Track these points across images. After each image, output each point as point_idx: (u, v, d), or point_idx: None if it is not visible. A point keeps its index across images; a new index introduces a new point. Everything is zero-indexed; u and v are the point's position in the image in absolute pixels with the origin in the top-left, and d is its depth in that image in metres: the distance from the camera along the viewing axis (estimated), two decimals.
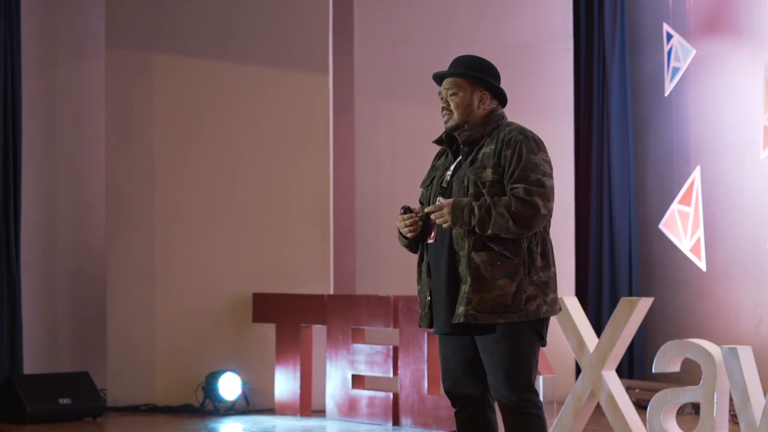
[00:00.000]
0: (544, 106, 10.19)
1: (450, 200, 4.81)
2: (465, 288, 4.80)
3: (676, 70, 9.89)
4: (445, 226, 4.84)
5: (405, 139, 9.87)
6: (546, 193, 4.84)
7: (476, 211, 4.76)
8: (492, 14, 10.23)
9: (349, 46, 10.01)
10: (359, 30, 9.99)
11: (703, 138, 10.00)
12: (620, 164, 10.57)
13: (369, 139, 10.00)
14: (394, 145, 9.94)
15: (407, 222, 4.94)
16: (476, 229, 4.77)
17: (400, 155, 9.84)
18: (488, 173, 4.85)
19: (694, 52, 9.75)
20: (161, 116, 9.52)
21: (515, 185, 4.81)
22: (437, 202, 4.87)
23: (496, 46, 9.99)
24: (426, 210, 4.89)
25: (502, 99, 5.07)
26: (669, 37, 9.89)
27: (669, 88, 10.01)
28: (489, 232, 4.76)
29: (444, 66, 5.19)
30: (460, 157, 4.99)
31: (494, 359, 4.84)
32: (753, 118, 9.47)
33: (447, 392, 5.04)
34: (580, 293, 10.37)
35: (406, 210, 5.00)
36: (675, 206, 9.67)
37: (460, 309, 4.80)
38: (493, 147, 4.89)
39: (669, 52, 9.90)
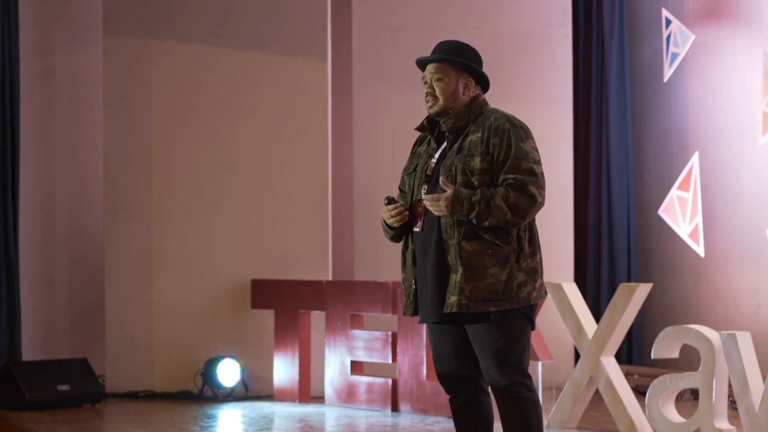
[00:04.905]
0: (543, 92, 10.18)
1: (449, 193, 4.77)
2: (456, 277, 4.79)
3: (675, 55, 9.87)
4: (436, 213, 4.82)
5: (403, 125, 9.84)
6: (539, 181, 4.82)
7: (476, 205, 4.74)
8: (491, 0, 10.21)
9: (348, 31, 9.99)
10: (357, 15, 9.97)
11: (701, 124, 10.00)
12: (619, 150, 10.57)
13: (367, 124, 10.00)
14: (392, 130, 9.93)
15: (393, 213, 4.92)
16: (473, 221, 4.77)
17: (399, 141, 9.82)
18: (476, 161, 4.83)
19: (693, 37, 9.73)
20: (159, 102, 9.50)
21: (508, 176, 4.79)
22: (439, 193, 4.82)
23: (495, 31, 9.98)
24: (424, 198, 4.84)
25: (484, 85, 5.06)
26: (668, 22, 9.87)
27: (668, 73, 9.99)
28: (486, 224, 4.76)
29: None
30: (444, 145, 4.97)
31: (486, 346, 4.84)
32: (752, 104, 9.46)
33: (440, 377, 5.05)
34: (579, 279, 10.38)
35: (390, 200, 4.97)
36: (674, 192, 9.66)
37: (452, 298, 4.80)
38: (480, 135, 4.87)
39: (668, 38, 9.88)
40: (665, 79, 10.09)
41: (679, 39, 9.81)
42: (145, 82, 9.49)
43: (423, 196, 4.90)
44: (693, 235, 9.54)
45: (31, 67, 9.65)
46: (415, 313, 5.00)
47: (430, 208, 4.82)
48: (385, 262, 9.75)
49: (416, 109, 9.81)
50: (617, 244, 10.54)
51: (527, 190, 4.77)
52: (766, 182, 9.41)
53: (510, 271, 4.80)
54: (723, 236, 9.78)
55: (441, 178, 4.83)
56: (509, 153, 4.81)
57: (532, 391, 4.90)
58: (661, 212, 9.82)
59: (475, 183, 4.81)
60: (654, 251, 10.54)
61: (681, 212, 9.61)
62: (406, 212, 4.93)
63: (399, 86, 9.91)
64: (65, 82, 9.93)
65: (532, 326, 4.94)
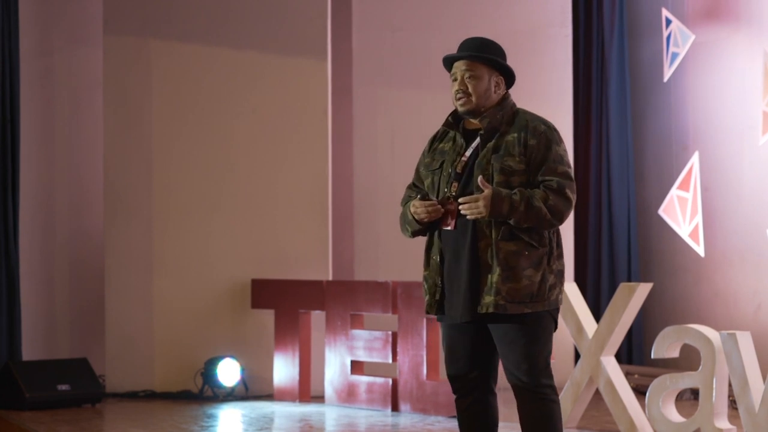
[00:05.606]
0: (543, 92, 10.18)
1: (488, 193, 4.71)
2: (493, 277, 4.75)
3: (675, 55, 9.87)
4: (470, 217, 4.76)
5: (403, 125, 9.85)
6: (573, 185, 4.85)
7: (515, 205, 4.70)
8: None
9: (348, 31, 9.99)
10: (358, 15, 9.96)
11: (701, 123, 10.00)
12: (619, 150, 10.56)
13: (367, 124, 9.99)
14: (392, 130, 9.93)
15: (429, 209, 4.84)
16: (512, 222, 4.73)
17: (399, 141, 9.82)
18: (515, 162, 4.82)
19: (693, 37, 9.73)
20: (159, 103, 9.50)
21: (548, 178, 4.79)
22: (472, 189, 4.78)
23: (495, 31, 9.94)
24: (460, 200, 4.76)
25: (511, 83, 5.05)
26: (668, 22, 9.87)
27: (668, 73, 9.99)
28: (524, 226, 4.75)
29: (442, 52, 5.14)
30: (476, 143, 4.91)
31: (516, 348, 4.82)
32: (752, 104, 9.46)
33: (451, 378, 5.00)
34: (579, 279, 10.37)
35: (424, 197, 4.92)
36: (674, 192, 9.66)
37: (488, 299, 4.76)
38: (516, 135, 4.86)
39: (668, 38, 9.88)
40: (665, 79, 10.08)
41: (679, 39, 9.81)
42: (145, 82, 9.49)
43: (458, 198, 4.82)
44: (693, 235, 9.55)
45: (31, 67, 9.64)
46: (439, 311, 4.93)
47: (466, 211, 4.75)
48: (385, 262, 9.76)
49: (416, 109, 9.87)
50: (617, 244, 10.54)
51: (565, 194, 4.78)
52: (766, 182, 9.41)
53: (543, 273, 4.81)
54: (723, 236, 9.78)
55: (480, 178, 4.76)
56: (547, 155, 4.84)
57: (557, 394, 4.93)
58: (661, 212, 9.82)
59: (514, 184, 4.79)
60: (654, 251, 10.54)
61: (681, 212, 9.61)
62: (441, 209, 4.85)
63: (399, 86, 9.91)
64: (65, 82, 9.93)
65: (555, 327, 4.96)
